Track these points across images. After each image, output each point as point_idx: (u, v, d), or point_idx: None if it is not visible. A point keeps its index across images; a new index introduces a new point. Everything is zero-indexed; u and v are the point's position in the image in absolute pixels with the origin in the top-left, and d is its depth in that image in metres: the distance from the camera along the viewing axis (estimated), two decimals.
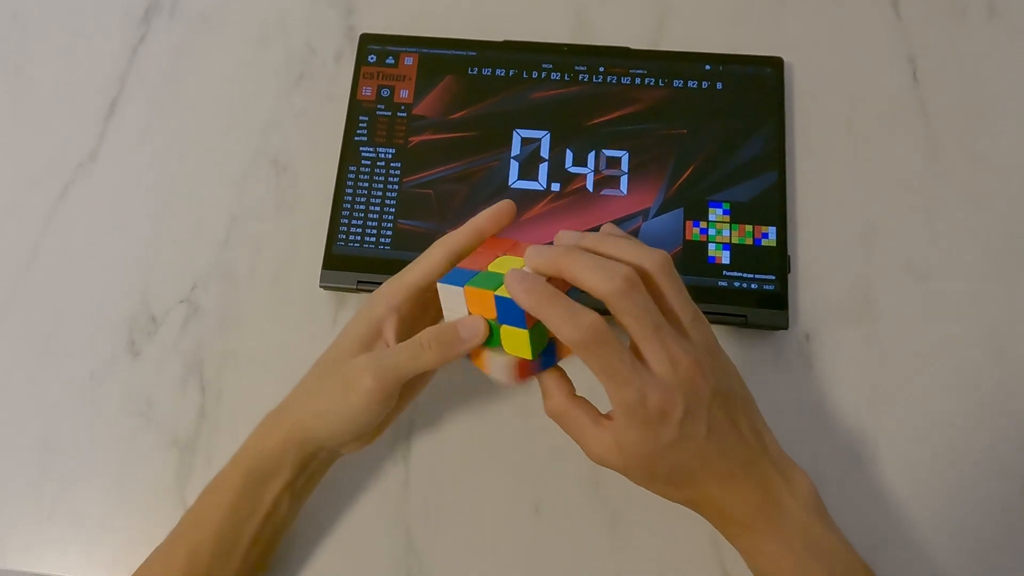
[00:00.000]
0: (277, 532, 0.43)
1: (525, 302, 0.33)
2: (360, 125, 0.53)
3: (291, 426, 0.40)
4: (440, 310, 0.39)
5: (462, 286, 0.36)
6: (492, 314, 0.36)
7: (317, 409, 0.40)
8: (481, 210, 0.40)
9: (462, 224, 0.40)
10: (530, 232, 0.50)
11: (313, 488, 0.44)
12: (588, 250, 0.35)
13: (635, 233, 0.50)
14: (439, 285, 0.37)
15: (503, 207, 0.39)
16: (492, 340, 0.37)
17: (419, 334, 0.38)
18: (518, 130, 0.52)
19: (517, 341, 0.36)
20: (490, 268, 0.37)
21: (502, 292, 0.35)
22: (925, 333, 0.49)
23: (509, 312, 0.35)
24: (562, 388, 0.37)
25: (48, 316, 0.52)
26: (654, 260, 0.35)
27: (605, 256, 0.34)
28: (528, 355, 0.35)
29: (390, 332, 0.39)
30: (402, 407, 0.42)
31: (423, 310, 0.42)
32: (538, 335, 0.35)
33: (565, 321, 0.32)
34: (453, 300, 0.37)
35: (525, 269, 0.35)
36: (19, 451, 0.49)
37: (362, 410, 0.38)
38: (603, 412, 0.37)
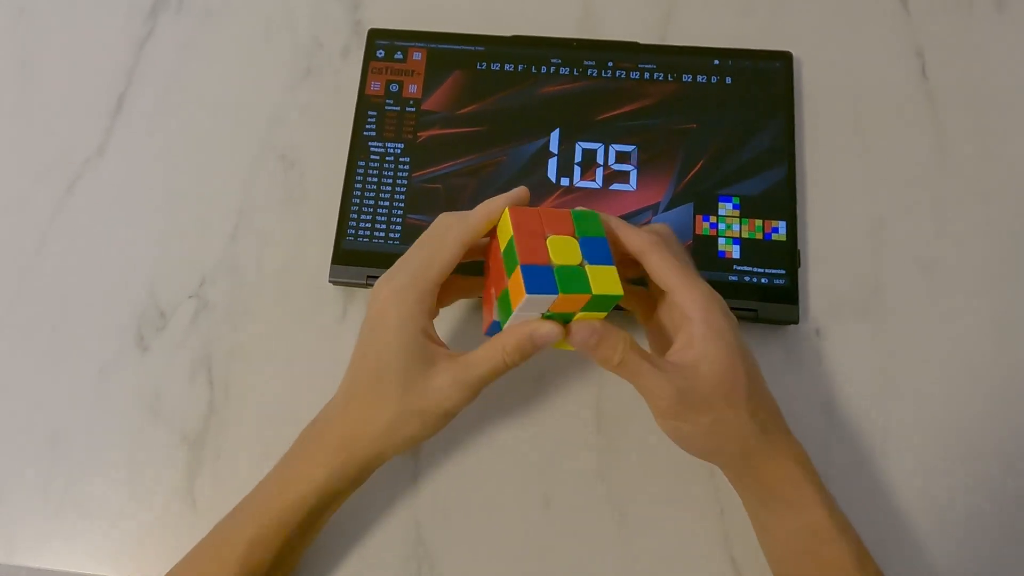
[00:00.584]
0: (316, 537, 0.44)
1: (606, 225, 0.38)
2: (369, 120, 0.53)
3: (372, 458, 0.40)
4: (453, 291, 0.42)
5: (555, 294, 0.35)
6: (578, 305, 0.36)
7: (406, 436, 0.39)
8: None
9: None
10: None
11: None
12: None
13: None
14: (528, 297, 0.35)
15: (518, 194, 0.39)
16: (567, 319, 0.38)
17: (498, 343, 0.37)
18: (527, 125, 0.52)
19: (607, 279, 0.36)
20: (552, 260, 0.36)
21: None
22: (934, 327, 0.49)
23: (595, 253, 0.37)
24: (622, 335, 0.37)
25: (56, 311, 0.52)
26: (663, 227, 0.41)
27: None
28: (619, 290, 0.36)
29: (435, 333, 0.39)
30: None
31: (441, 296, 0.41)
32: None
33: (632, 234, 0.39)
34: (537, 304, 0.36)
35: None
36: (28, 446, 0.49)
37: (446, 424, 0.40)
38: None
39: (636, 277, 0.42)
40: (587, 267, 0.36)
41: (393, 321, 0.38)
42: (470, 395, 0.38)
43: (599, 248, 0.37)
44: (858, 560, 0.37)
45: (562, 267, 0.36)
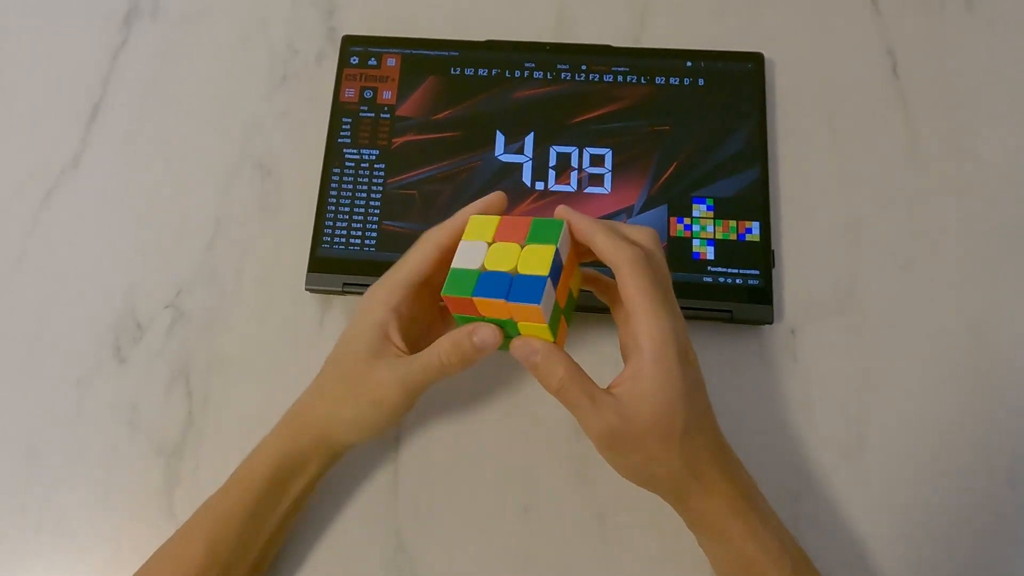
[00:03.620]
0: (288, 526, 0.44)
1: (578, 227, 0.37)
2: (343, 127, 0.53)
3: (321, 430, 0.42)
4: (434, 296, 0.41)
5: (470, 296, 0.36)
6: (507, 313, 0.36)
7: (345, 418, 0.42)
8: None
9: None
10: None
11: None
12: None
13: None
14: (445, 297, 0.36)
15: (494, 199, 0.40)
16: (508, 331, 0.38)
17: (437, 346, 0.39)
18: (501, 129, 0.52)
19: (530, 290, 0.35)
20: (486, 264, 0.36)
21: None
22: (910, 325, 0.49)
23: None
24: (563, 362, 0.37)
25: (32, 323, 0.52)
26: (651, 238, 0.38)
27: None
28: (538, 300, 0.35)
29: (396, 335, 0.41)
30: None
31: (416, 300, 0.42)
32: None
33: (611, 245, 0.36)
34: (462, 306, 0.37)
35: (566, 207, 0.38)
36: (4, 460, 0.49)
37: (389, 417, 0.41)
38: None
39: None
40: (515, 275, 0.36)
41: (358, 316, 0.41)
42: (404, 391, 0.40)
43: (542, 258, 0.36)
44: None
45: (491, 272, 0.36)
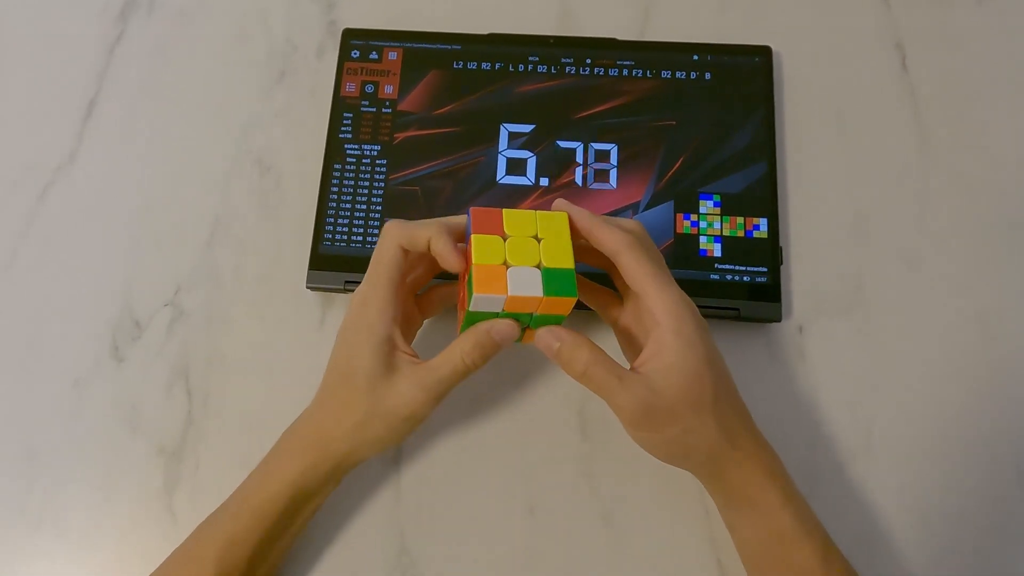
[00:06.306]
0: (293, 544, 0.44)
1: (578, 220, 0.38)
2: (344, 122, 0.52)
3: (344, 456, 0.41)
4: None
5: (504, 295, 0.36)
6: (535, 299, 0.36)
7: (372, 439, 0.40)
8: (468, 206, 0.40)
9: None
10: None
11: None
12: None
13: None
14: (477, 296, 0.36)
15: (457, 220, 0.40)
16: (523, 322, 0.38)
17: (457, 347, 0.38)
18: (505, 124, 0.51)
19: (561, 281, 0.36)
20: (508, 259, 0.36)
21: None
22: (917, 322, 0.49)
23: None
24: (586, 345, 0.37)
25: (29, 323, 0.51)
26: (639, 226, 0.40)
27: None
28: (574, 292, 0.36)
29: (403, 343, 0.40)
30: None
31: (408, 298, 0.42)
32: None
33: (609, 233, 0.37)
34: (489, 303, 0.37)
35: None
36: (3, 461, 0.48)
37: (414, 427, 0.40)
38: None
39: (602, 269, 0.42)
40: (543, 269, 0.36)
41: (357, 335, 0.40)
42: (432, 398, 0.39)
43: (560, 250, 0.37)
44: (824, 560, 0.38)
45: (519, 269, 0.36)
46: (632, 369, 0.37)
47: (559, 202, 0.39)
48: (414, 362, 0.39)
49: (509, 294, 0.35)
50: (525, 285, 0.35)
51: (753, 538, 0.39)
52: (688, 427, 0.37)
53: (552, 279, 0.36)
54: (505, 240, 0.37)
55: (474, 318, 0.38)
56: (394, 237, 0.39)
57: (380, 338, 0.39)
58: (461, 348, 0.38)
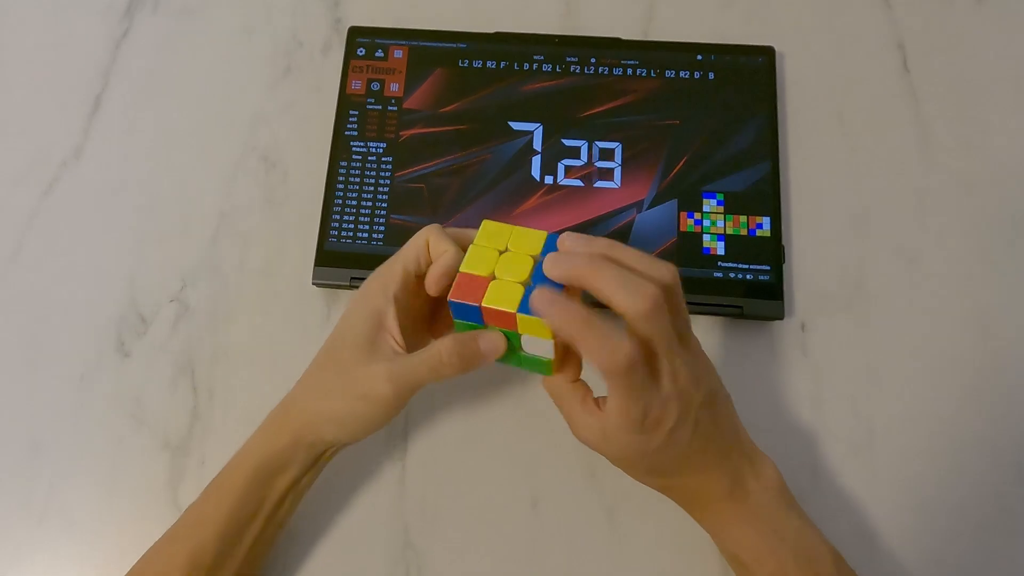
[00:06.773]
0: (277, 530, 0.42)
1: (558, 326, 0.32)
2: (350, 119, 0.52)
3: (301, 426, 0.40)
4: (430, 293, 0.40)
5: (478, 304, 0.35)
6: (511, 324, 0.36)
7: (331, 413, 0.40)
8: (473, 204, 0.42)
9: (454, 222, 0.43)
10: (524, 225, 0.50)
11: (312, 483, 0.43)
12: (607, 258, 0.33)
13: (629, 225, 0.49)
14: (449, 302, 0.36)
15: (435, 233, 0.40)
16: (513, 342, 0.38)
17: (438, 345, 0.37)
18: (511, 122, 0.52)
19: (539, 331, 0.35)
20: (496, 272, 0.36)
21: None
22: (919, 320, 0.49)
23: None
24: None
25: (35, 318, 0.51)
26: (670, 275, 0.34)
27: (627, 268, 0.33)
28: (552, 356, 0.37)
29: (393, 324, 0.39)
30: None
31: (415, 295, 0.41)
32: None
33: (600, 348, 0.31)
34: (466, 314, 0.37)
35: (545, 286, 0.33)
36: (8, 455, 0.48)
37: (379, 416, 0.39)
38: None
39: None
40: (528, 287, 0.35)
41: (354, 305, 0.40)
42: (397, 388, 0.38)
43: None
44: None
45: (499, 282, 0.35)
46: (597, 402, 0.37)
47: (568, 239, 0.35)
48: (396, 351, 0.38)
49: (482, 304, 0.35)
50: (500, 299, 0.35)
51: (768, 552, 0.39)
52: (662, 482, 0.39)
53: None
54: (501, 253, 0.36)
55: (461, 329, 0.38)
56: (425, 232, 0.39)
57: (371, 310, 0.39)
58: (441, 345, 0.37)
